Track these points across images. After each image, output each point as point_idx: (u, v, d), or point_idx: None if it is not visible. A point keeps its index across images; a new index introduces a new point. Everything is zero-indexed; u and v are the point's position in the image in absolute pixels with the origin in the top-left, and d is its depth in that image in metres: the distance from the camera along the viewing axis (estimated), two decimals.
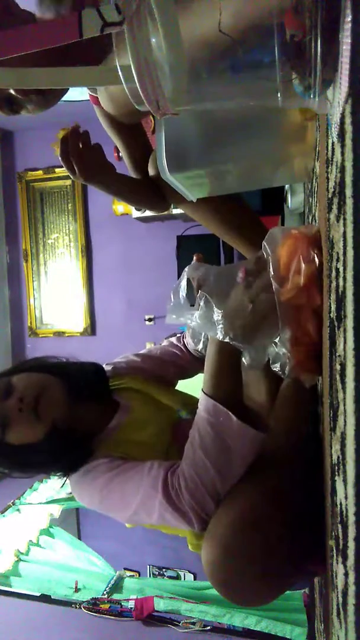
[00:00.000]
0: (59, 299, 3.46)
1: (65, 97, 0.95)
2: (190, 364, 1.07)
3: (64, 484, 0.89)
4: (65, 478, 0.88)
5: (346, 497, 0.33)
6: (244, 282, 0.66)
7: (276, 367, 0.65)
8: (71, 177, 0.94)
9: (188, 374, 1.10)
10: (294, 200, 2.04)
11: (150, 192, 1.09)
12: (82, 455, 0.85)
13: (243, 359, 0.69)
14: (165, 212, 1.27)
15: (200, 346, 1.00)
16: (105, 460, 0.82)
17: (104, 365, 1.02)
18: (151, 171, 1.08)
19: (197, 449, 0.71)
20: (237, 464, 0.71)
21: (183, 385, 1.12)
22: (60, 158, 0.92)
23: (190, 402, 0.98)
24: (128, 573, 2.45)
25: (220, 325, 0.66)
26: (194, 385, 1.07)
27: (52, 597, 2.01)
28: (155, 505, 0.73)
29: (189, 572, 3.06)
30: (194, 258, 0.80)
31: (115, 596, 2.02)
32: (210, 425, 0.72)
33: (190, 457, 0.72)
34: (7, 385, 0.83)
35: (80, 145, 0.91)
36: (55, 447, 0.82)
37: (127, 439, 0.86)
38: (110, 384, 0.98)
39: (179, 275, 0.78)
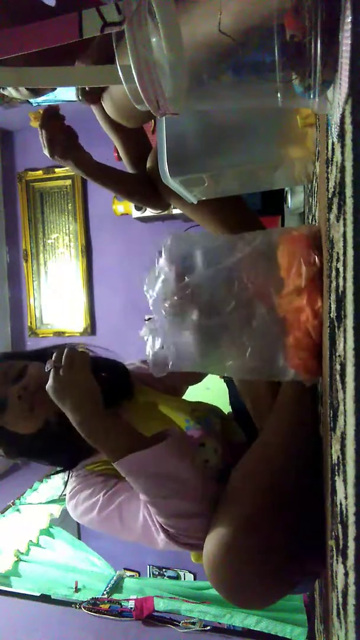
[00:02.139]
0: (59, 299, 3.46)
1: (65, 97, 0.95)
2: None
3: (65, 487, 0.89)
4: (61, 473, 0.90)
5: (346, 497, 0.33)
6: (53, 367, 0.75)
7: None
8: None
9: (197, 379, 1.10)
10: (294, 200, 2.04)
11: (149, 190, 1.09)
12: (75, 454, 0.86)
13: None
14: (165, 212, 1.27)
15: None
16: (101, 479, 0.83)
17: None
18: (149, 164, 1.08)
19: (153, 501, 0.72)
20: (186, 475, 0.72)
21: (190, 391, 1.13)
22: (39, 131, 0.94)
23: (197, 409, 0.97)
24: (128, 573, 2.44)
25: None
26: (199, 390, 1.07)
27: (52, 597, 2.01)
28: (157, 540, 0.74)
29: (189, 572, 3.05)
30: None
31: (115, 596, 2.01)
32: (138, 477, 0.72)
33: (156, 511, 0.72)
34: (22, 370, 0.85)
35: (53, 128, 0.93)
36: (44, 443, 0.84)
37: None
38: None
39: None
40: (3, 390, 0.82)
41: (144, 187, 1.09)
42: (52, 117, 0.93)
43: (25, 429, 0.83)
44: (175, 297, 0.66)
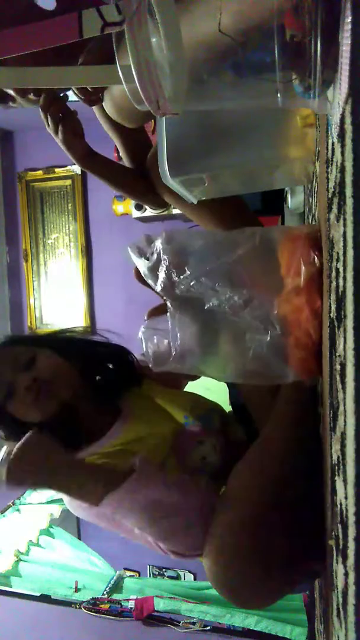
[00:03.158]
0: (59, 299, 3.46)
1: None
2: None
3: None
4: None
5: (346, 497, 0.33)
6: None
7: None
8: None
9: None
10: (294, 200, 2.04)
11: (147, 188, 1.09)
12: (77, 442, 0.86)
13: None
14: (165, 212, 1.28)
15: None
16: None
17: None
18: (148, 163, 1.08)
19: (149, 530, 0.73)
20: (164, 496, 0.74)
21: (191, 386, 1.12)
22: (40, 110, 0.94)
23: (197, 406, 0.97)
24: (128, 573, 2.45)
25: None
26: (199, 391, 1.07)
27: (52, 597, 2.01)
28: (160, 551, 0.76)
29: (189, 572, 3.05)
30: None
31: (115, 596, 2.02)
32: (122, 516, 0.74)
33: (153, 539, 0.74)
34: (31, 358, 0.84)
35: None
36: (46, 432, 0.84)
37: (123, 449, 0.86)
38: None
39: None
40: (12, 376, 0.83)
41: (142, 185, 1.09)
42: (53, 99, 0.92)
43: (29, 418, 0.84)
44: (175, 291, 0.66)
